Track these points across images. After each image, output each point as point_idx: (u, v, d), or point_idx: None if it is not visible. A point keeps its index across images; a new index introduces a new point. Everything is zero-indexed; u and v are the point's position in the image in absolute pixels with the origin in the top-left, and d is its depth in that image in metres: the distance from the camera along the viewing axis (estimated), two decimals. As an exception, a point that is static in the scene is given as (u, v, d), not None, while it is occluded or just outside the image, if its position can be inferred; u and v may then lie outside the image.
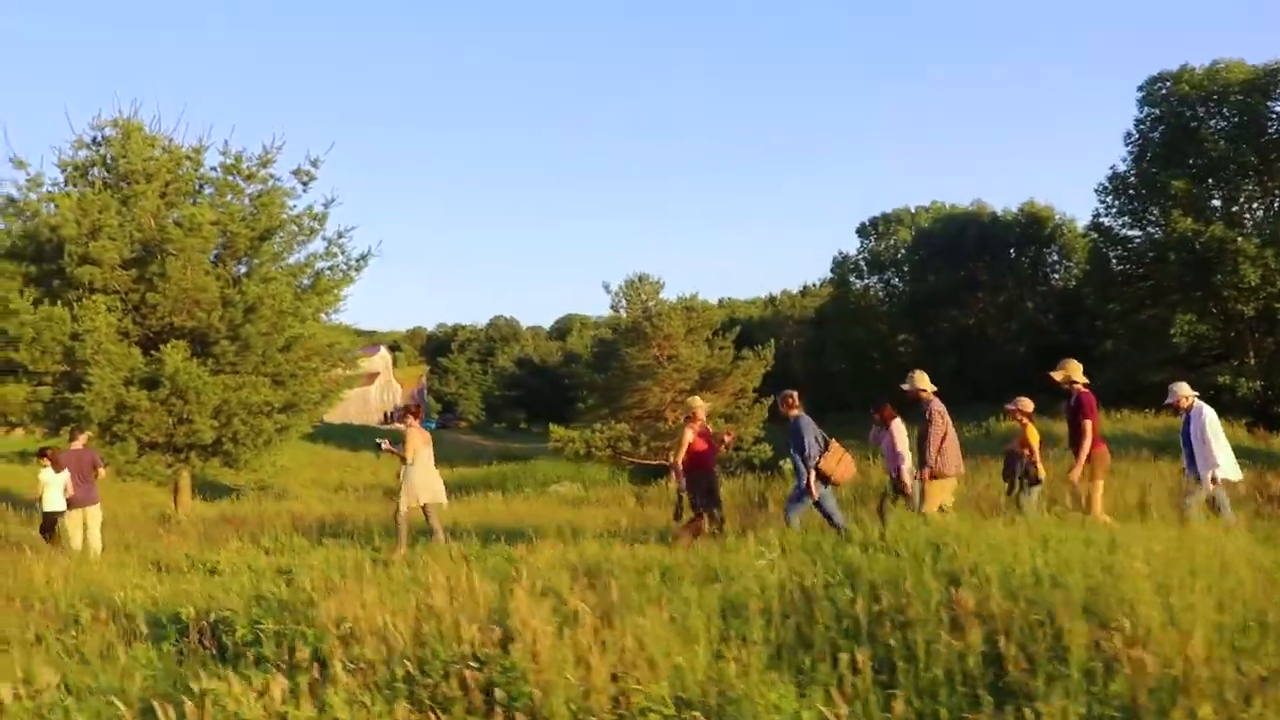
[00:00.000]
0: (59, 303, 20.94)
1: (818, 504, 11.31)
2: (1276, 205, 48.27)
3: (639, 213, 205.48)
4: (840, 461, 11.23)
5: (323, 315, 24.78)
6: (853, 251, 71.83)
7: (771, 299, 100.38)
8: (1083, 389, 11.22)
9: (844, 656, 4.51)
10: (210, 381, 21.30)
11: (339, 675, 4.80)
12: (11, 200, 22.81)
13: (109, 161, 22.90)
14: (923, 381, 11.51)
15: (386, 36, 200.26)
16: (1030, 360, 53.16)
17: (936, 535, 7.87)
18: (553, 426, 38.20)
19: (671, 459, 12.98)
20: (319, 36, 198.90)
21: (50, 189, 22.77)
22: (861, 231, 71.56)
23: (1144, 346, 47.69)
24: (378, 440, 15.07)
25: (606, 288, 41.44)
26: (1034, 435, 11.87)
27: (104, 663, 6.00)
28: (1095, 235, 52.69)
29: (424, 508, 13.70)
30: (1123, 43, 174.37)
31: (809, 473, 11.11)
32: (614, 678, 4.49)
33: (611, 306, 40.55)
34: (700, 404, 12.89)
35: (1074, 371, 11.36)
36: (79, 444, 15.40)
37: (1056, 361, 12.01)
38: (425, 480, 13.73)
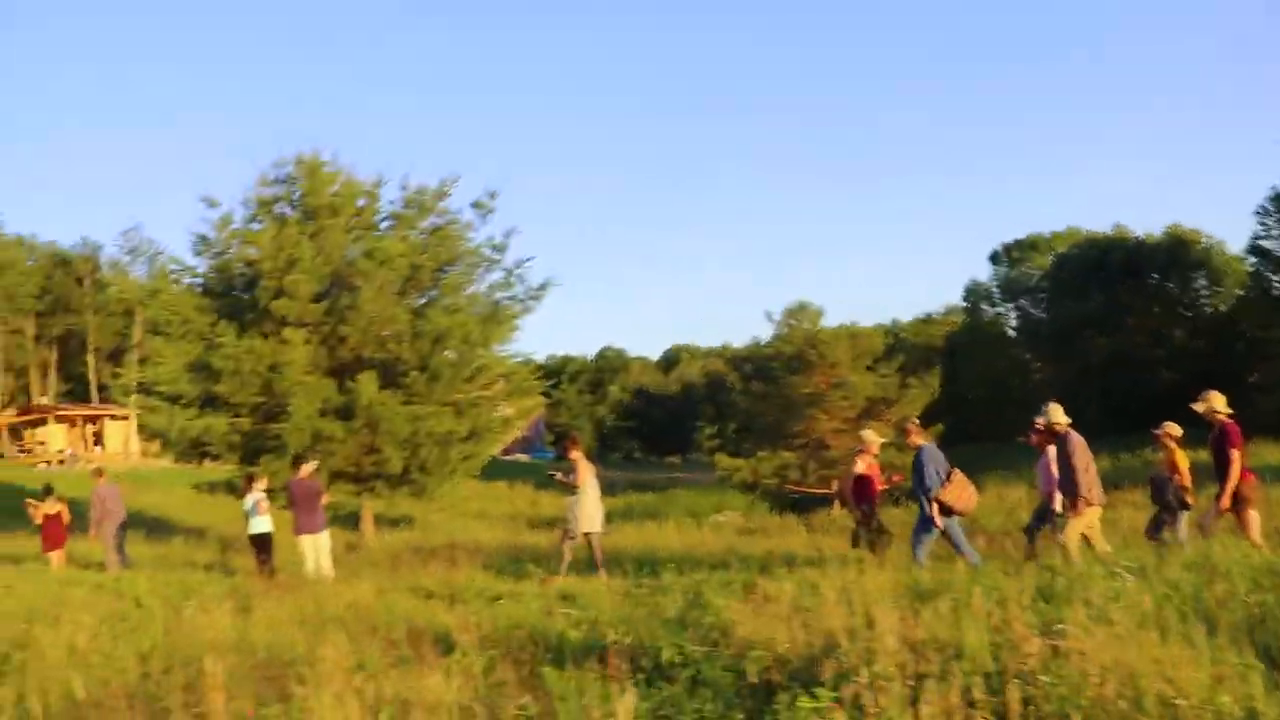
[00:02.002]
0: (254, 336, 21.51)
1: (945, 534, 11.21)
2: None
3: (744, 240, 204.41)
4: (963, 492, 11.14)
5: (496, 346, 25.03)
6: (985, 278, 70.68)
7: (894, 326, 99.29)
8: (1226, 419, 10.83)
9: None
10: (401, 411, 21.62)
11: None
12: (204, 238, 23.57)
13: (295, 198, 23.48)
14: (1058, 415, 11.20)
15: (519, 68, 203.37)
16: (1180, 388, 51.52)
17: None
18: (718, 456, 38.07)
19: (838, 488, 13.12)
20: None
21: (238, 226, 23.46)
22: (994, 258, 70.43)
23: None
24: (550, 471, 15.37)
25: (769, 316, 41.83)
26: (1183, 460, 11.65)
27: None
28: (1254, 258, 50.92)
29: (587, 536, 13.89)
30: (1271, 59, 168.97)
31: (931, 504, 11.04)
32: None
33: (776, 335, 40.39)
34: (875, 437, 13.06)
35: (1216, 403, 10.94)
36: (304, 473, 15.65)
37: (1206, 389, 11.59)
38: (594, 509, 13.96)
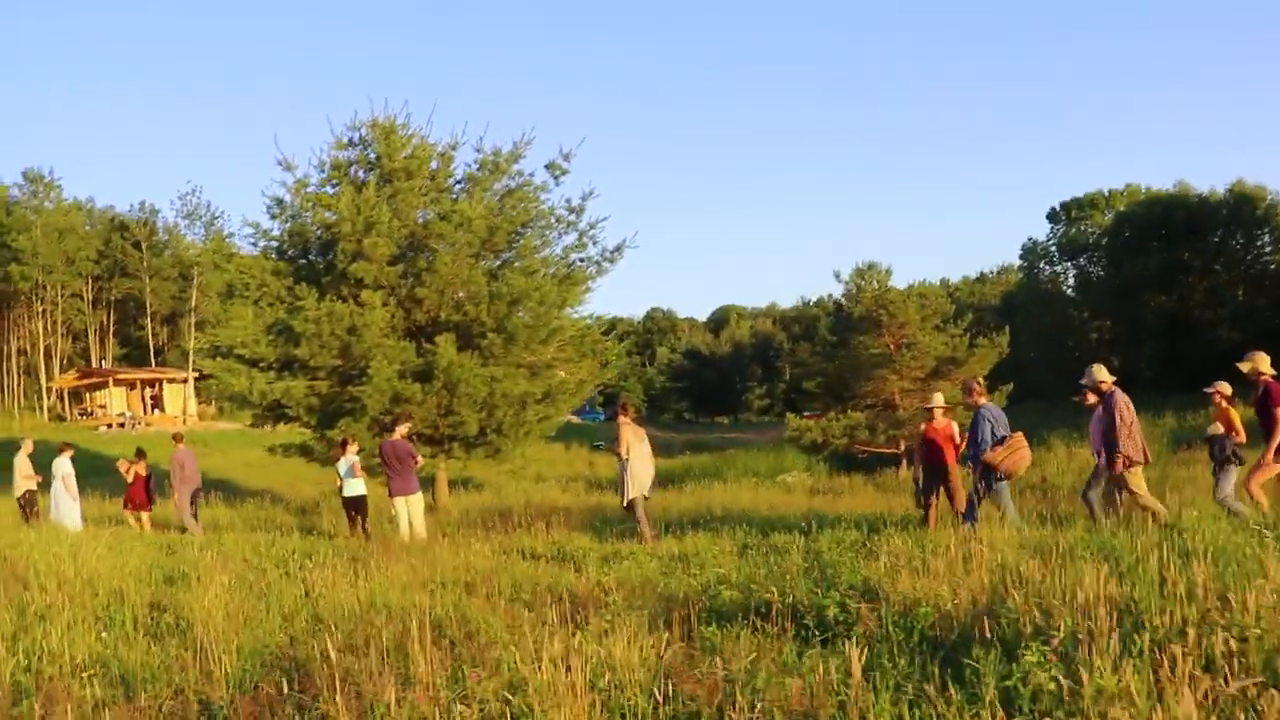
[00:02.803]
0: (332, 300, 21.58)
1: (978, 492, 11.44)
2: None
3: (794, 201, 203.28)
4: (1014, 455, 11.32)
5: (568, 308, 24.99)
6: (1042, 237, 69.79)
7: (946, 287, 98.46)
8: (1271, 380, 10.92)
9: None
10: (479, 373, 21.66)
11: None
12: (280, 201, 23.65)
13: (372, 160, 23.46)
14: (1102, 374, 11.34)
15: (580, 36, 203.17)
16: (1241, 347, 50.69)
17: None
18: (789, 416, 38.32)
19: (906, 449, 13.23)
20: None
21: (314, 189, 23.49)
22: (1052, 217, 69.45)
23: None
24: (596, 443, 15.41)
25: (837, 275, 41.92)
26: (1236, 416, 11.60)
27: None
28: (1320, 214, 50.06)
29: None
30: None
31: (976, 464, 11.32)
32: None
33: (845, 295, 40.20)
34: (940, 400, 13.17)
35: (1261, 363, 11.02)
36: (398, 435, 15.72)
37: (1271, 348, 11.55)
38: (643, 475, 13.98)
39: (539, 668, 4.59)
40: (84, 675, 5.76)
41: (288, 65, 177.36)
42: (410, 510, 15.26)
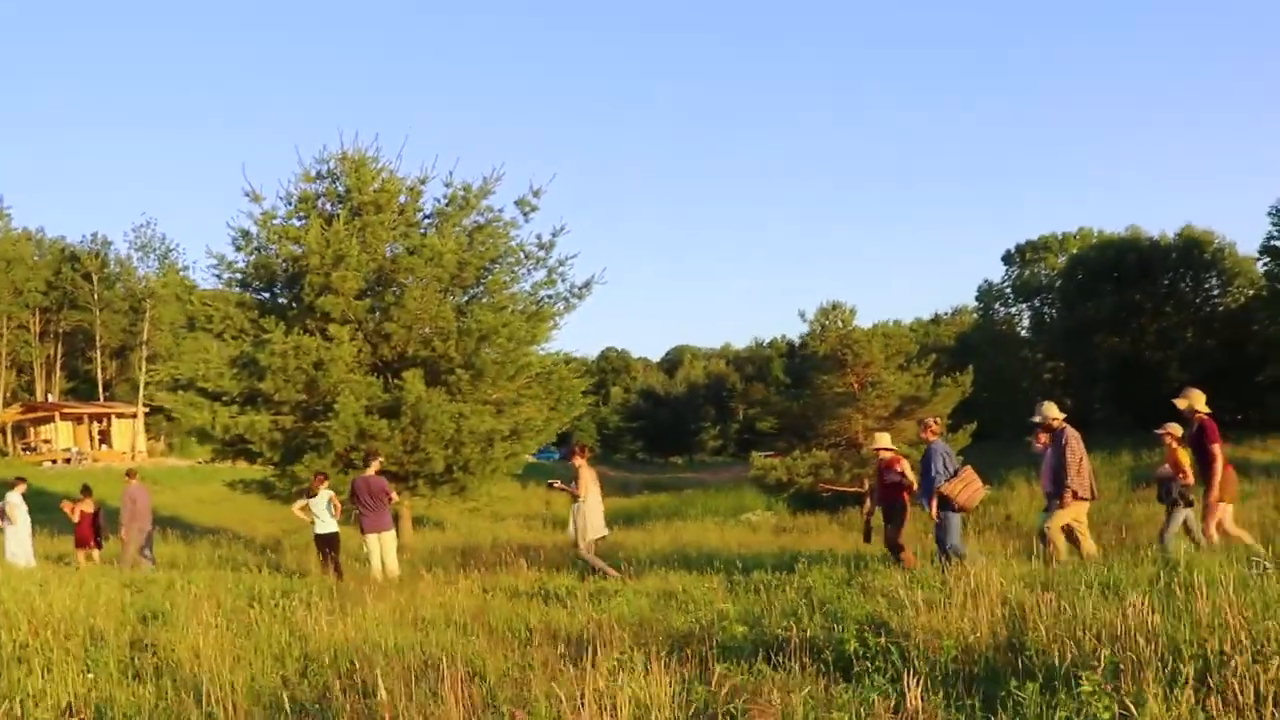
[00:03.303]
0: (297, 333, 21.26)
1: (938, 525, 11.59)
2: None
3: (748, 242, 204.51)
4: (968, 488, 11.48)
5: (536, 345, 24.78)
6: (998, 279, 70.70)
7: (899, 326, 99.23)
8: (1205, 417, 11.22)
9: None
10: (447, 409, 21.38)
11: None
12: (245, 233, 23.31)
13: (341, 193, 23.21)
14: (1053, 410, 11.59)
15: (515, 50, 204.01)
16: (1195, 387, 51.53)
17: None
18: (754, 454, 38.33)
19: (870, 488, 13.36)
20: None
21: (280, 222, 23.19)
22: (1007, 259, 70.38)
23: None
24: (550, 481, 15.37)
25: (802, 315, 42.30)
26: (1185, 457, 11.82)
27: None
28: (1267, 259, 51.14)
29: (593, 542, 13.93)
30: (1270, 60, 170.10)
31: (933, 497, 11.43)
32: None
33: (810, 334, 40.37)
34: (886, 441, 13.37)
35: (1197, 401, 11.37)
36: (371, 471, 15.44)
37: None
38: (596, 516, 13.96)
39: (581, 706, 4.39)
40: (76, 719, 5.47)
41: (249, 98, 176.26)
42: (383, 548, 14.99)
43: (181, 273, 56.36)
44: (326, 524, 15.55)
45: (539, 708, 4.52)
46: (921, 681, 5.21)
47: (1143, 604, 5.72)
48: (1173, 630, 5.48)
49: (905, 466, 13.24)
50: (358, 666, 7.00)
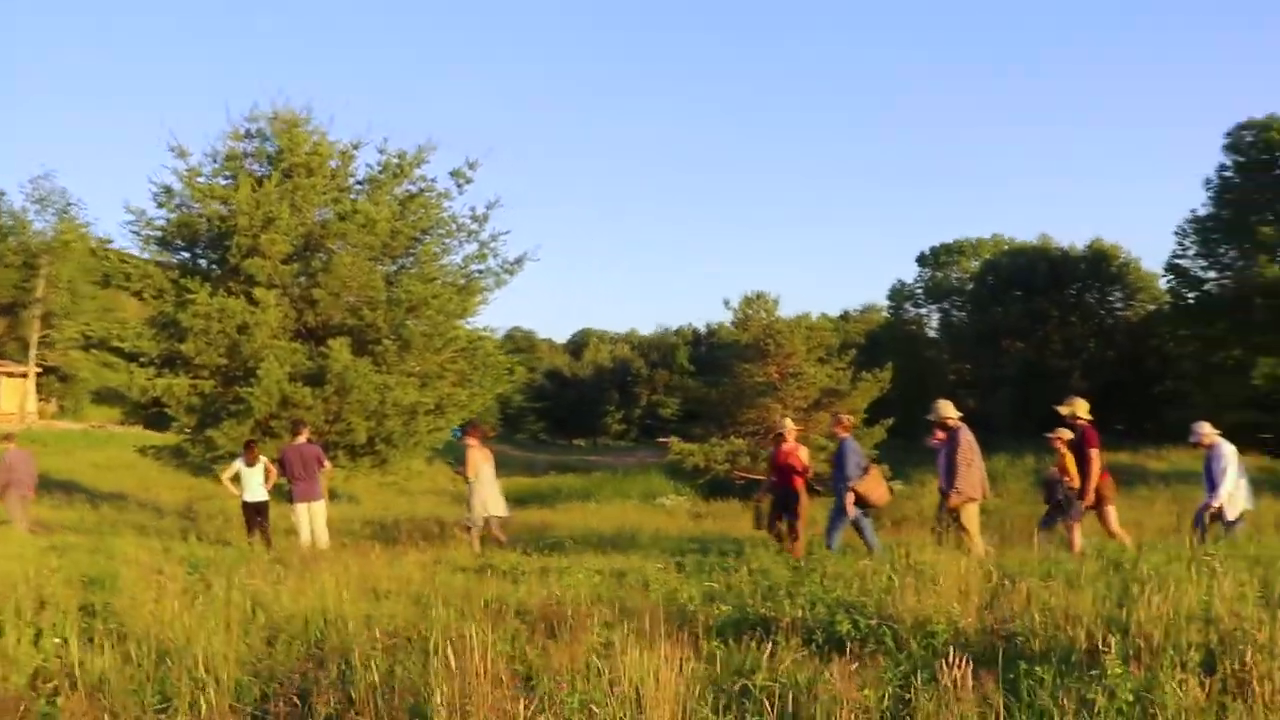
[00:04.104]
0: (223, 295, 20.67)
1: (854, 524, 11.71)
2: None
3: (657, 229, 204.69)
4: (878, 486, 11.73)
5: (464, 319, 24.44)
6: (910, 280, 71.76)
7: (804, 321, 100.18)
8: (1086, 423, 11.76)
9: None
10: (373, 380, 20.96)
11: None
12: (168, 189, 22.55)
13: (271, 153, 22.60)
14: (948, 410, 11.77)
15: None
16: (1091, 396, 52.95)
17: None
18: (673, 440, 37.99)
19: (763, 474, 13.44)
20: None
21: (205, 180, 22.49)
22: (921, 260, 71.49)
23: (1215, 387, 47.61)
24: (450, 461, 15.63)
25: (727, 303, 42.27)
26: (1072, 463, 12.14)
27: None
28: (1172, 276, 52.67)
29: (487, 520, 14.16)
30: (1182, 88, 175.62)
31: (847, 494, 11.50)
32: None
33: (734, 323, 40.43)
34: (791, 426, 13.23)
35: (1079, 408, 11.93)
36: (301, 439, 15.01)
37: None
38: (489, 496, 14.20)
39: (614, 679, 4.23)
40: (48, 687, 5.15)
41: (164, 52, 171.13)
42: (313, 517, 14.61)
43: (84, 229, 54.35)
44: (257, 492, 15.04)
45: (572, 695, 4.31)
46: (927, 664, 5.19)
47: (1141, 593, 5.74)
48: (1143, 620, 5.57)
49: (804, 454, 13.19)
50: (326, 637, 6.78)
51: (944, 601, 6.54)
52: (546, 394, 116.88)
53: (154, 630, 6.48)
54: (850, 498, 11.50)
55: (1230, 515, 11.79)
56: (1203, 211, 50.94)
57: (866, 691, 4.29)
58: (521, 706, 4.03)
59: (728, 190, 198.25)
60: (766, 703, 4.50)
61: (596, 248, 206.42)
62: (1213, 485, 11.86)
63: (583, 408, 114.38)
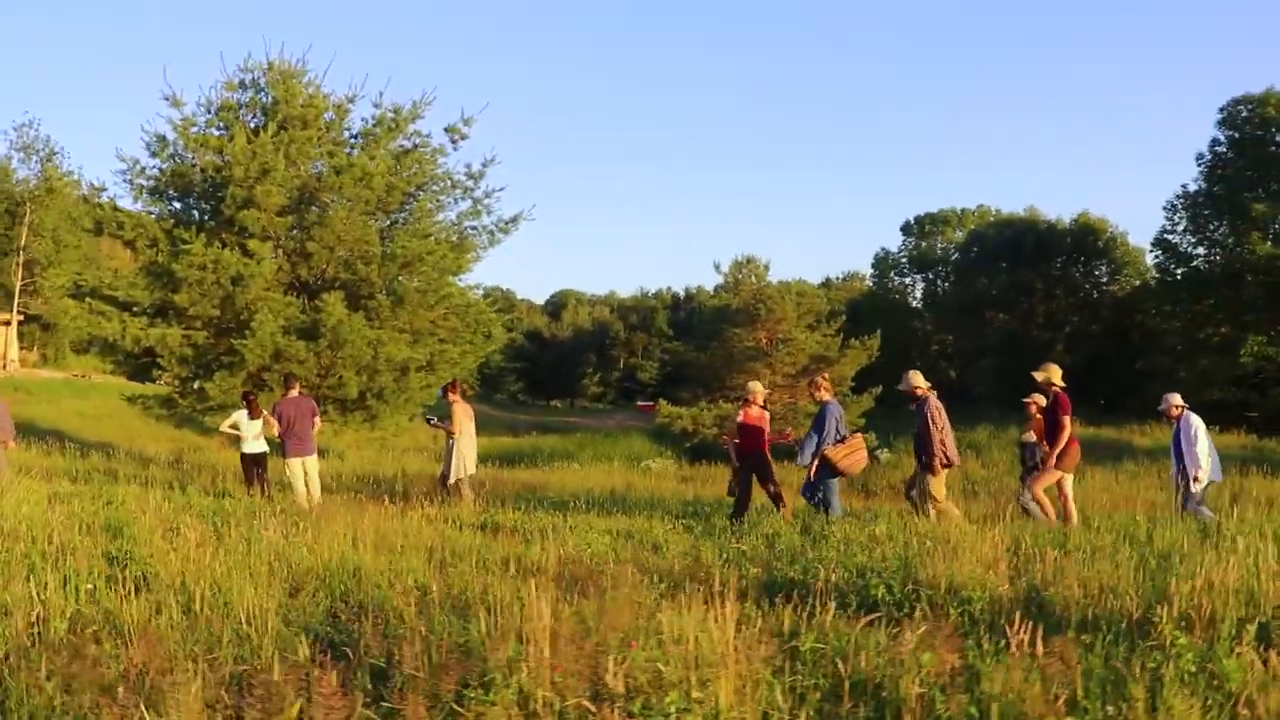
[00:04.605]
0: (218, 246, 20.45)
1: (816, 485, 11.59)
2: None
3: (639, 194, 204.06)
4: (852, 455, 11.56)
5: (458, 276, 24.28)
6: (895, 249, 71.79)
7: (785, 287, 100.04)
8: (1059, 390, 11.82)
9: None
10: (366, 335, 20.83)
11: None
12: (162, 138, 22.24)
13: (266, 104, 22.30)
14: (918, 379, 11.72)
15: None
16: (1074, 370, 53.27)
17: None
18: (662, 402, 37.85)
19: (726, 439, 13.10)
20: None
21: (200, 130, 22.20)
22: (906, 230, 71.45)
23: (1201, 364, 47.73)
24: (428, 417, 15.53)
25: (717, 267, 42.15)
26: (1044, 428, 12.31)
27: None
28: (1160, 252, 52.70)
29: (458, 479, 14.09)
30: (1174, 62, 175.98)
31: (814, 456, 11.46)
32: None
33: (723, 287, 40.36)
34: (759, 389, 13.05)
35: (1054, 374, 12.00)
36: (294, 393, 14.93)
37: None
38: (470, 454, 14.18)
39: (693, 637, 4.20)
40: (88, 633, 5.07)
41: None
42: (307, 472, 14.51)
43: (69, 177, 53.65)
44: (257, 444, 14.92)
45: (640, 649, 4.25)
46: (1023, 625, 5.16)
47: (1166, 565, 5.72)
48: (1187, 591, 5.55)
49: (766, 419, 13.00)
50: (349, 590, 6.73)
51: (972, 568, 6.51)
52: (525, 354, 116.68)
53: (181, 579, 6.42)
54: (816, 463, 11.47)
55: (1199, 485, 11.80)
56: (1194, 187, 50.91)
57: (927, 655, 4.23)
58: (610, 664, 3.97)
59: (711, 155, 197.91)
60: (822, 664, 4.47)
61: (577, 209, 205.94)
62: (1180, 456, 11.91)
63: (561, 369, 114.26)
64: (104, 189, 22.69)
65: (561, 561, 8.09)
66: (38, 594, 5.76)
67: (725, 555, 8.43)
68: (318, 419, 15.14)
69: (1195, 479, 11.68)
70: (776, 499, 12.32)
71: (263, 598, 6.16)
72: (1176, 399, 12.21)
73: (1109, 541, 8.52)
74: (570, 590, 6.41)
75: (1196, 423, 11.91)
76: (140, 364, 22.14)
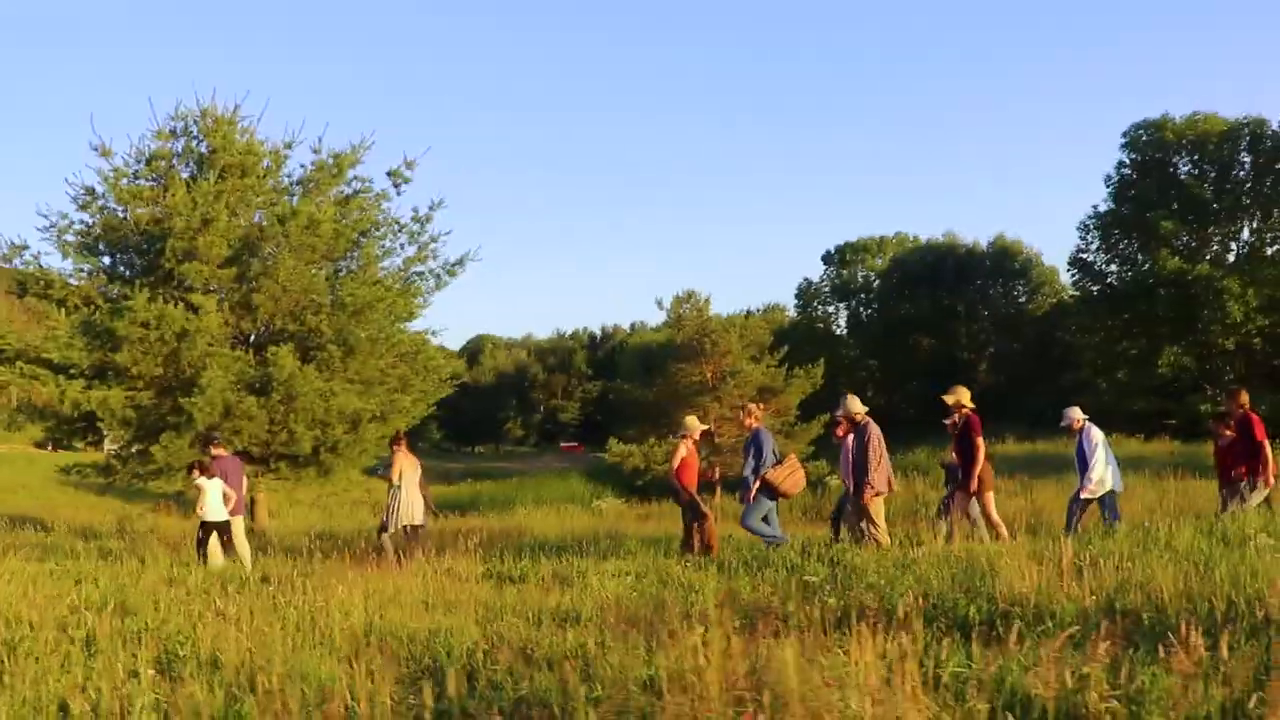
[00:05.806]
0: (160, 301, 19.69)
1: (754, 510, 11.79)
2: (1254, 247, 50.42)
3: (552, 236, 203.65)
4: (792, 476, 11.79)
5: (406, 323, 23.76)
6: (816, 279, 72.54)
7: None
8: (969, 412, 12.13)
9: None
10: (318, 388, 20.20)
11: None
12: (91, 191, 21.46)
13: (204, 153, 21.63)
14: (855, 405, 11.89)
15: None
16: (999, 389, 54.29)
17: None
18: (611, 440, 37.47)
19: (669, 474, 12.99)
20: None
21: (130, 182, 21.46)
22: (827, 259, 72.29)
23: (1118, 376, 49.34)
24: (373, 467, 15.52)
25: (659, 303, 42.21)
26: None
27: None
28: (1076, 270, 54.20)
29: (404, 528, 13.93)
30: (1081, 86, 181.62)
31: (755, 482, 11.63)
32: None
33: (667, 323, 40.22)
34: (697, 424, 13.18)
35: (963, 396, 12.25)
36: (226, 452, 14.46)
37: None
38: (414, 501, 13.99)
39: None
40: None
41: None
42: (234, 530, 13.88)
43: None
44: (218, 511, 14.02)
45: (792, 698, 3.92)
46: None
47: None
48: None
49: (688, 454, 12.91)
50: (412, 654, 6.28)
51: (1045, 582, 6.40)
52: (447, 402, 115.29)
53: (249, 656, 5.90)
54: (756, 486, 11.57)
55: (1090, 494, 12.05)
56: (1104, 208, 52.90)
57: (1084, 670, 4.05)
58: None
59: (627, 193, 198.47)
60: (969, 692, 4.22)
61: (489, 252, 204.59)
62: (1084, 468, 12.07)
63: (483, 415, 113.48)
64: (25, 246, 21.50)
65: (615, 607, 7.71)
66: (92, 685, 5.23)
67: (777, 588, 8.10)
68: (244, 479, 14.78)
69: (1087, 488, 11.96)
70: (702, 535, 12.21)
71: (330, 667, 5.71)
72: (1077, 413, 12.44)
73: (1126, 548, 8.46)
74: (649, 636, 6.05)
75: (1097, 435, 12.20)
76: (79, 429, 21.17)
